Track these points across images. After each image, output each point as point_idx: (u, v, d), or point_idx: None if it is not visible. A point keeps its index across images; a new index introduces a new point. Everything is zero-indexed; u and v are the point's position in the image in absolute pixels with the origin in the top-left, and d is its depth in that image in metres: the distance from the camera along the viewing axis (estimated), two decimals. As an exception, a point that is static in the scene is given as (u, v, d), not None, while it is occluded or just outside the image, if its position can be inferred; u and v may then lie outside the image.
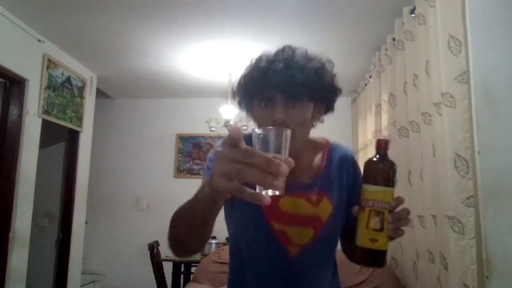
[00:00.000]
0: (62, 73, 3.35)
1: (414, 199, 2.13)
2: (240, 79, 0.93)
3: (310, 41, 2.82)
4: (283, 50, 0.90)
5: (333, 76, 0.92)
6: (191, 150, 4.63)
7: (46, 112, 3.11)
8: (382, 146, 0.80)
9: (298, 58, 0.87)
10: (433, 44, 1.88)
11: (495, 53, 1.62)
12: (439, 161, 1.79)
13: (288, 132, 0.59)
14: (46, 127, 3.14)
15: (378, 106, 3.00)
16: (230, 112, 3.60)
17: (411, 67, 2.24)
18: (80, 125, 3.65)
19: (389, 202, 0.77)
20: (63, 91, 3.38)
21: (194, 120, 4.51)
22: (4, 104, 2.80)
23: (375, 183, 0.78)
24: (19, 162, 2.81)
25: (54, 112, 3.23)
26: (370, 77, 3.32)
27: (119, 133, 4.72)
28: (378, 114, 3.01)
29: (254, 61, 0.91)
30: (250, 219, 0.93)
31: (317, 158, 0.99)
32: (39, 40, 3.02)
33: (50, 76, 3.17)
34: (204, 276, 2.65)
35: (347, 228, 0.93)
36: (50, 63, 3.16)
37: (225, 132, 3.65)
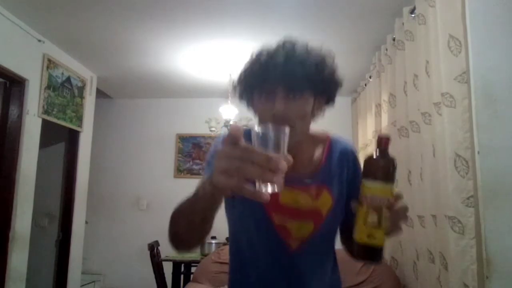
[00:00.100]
0: (62, 73, 3.35)
1: (414, 199, 2.13)
2: (241, 73, 0.94)
3: (310, 41, 2.81)
4: (283, 44, 0.90)
5: (333, 69, 0.93)
6: (191, 150, 4.63)
7: (46, 112, 3.11)
8: (383, 143, 0.80)
9: (298, 51, 0.88)
10: (433, 44, 1.88)
11: (495, 53, 1.62)
12: (439, 161, 1.79)
13: (287, 130, 0.60)
14: (46, 127, 3.14)
15: (378, 106, 3.00)
16: (230, 112, 3.60)
17: (411, 67, 2.24)
18: (80, 125, 3.65)
19: (388, 198, 0.77)
20: (63, 91, 3.38)
21: (194, 120, 4.51)
22: (4, 104, 2.80)
23: (375, 179, 0.78)
24: (19, 162, 2.81)
25: (54, 112, 3.23)
26: (370, 77, 3.32)
27: (119, 133, 4.72)
28: (378, 114, 3.01)
29: (254, 55, 0.92)
30: (251, 213, 0.93)
31: (318, 152, 0.99)
32: (39, 40, 3.02)
33: (50, 76, 3.17)
34: (204, 276, 2.65)
35: (347, 223, 0.92)
36: (50, 63, 3.16)
37: (225, 132, 3.65)
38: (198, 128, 4.42)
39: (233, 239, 1.01)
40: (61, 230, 3.54)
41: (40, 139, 3.05)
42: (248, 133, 0.61)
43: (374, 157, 0.80)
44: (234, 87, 0.97)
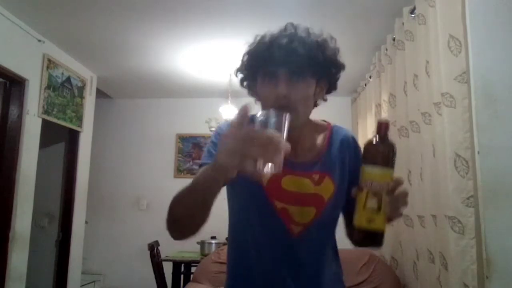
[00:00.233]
0: (62, 73, 3.35)
1: (414, 199, 2.13)
2: (244, 55, 0.95)
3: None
4: (285, 27, 0.92)
5: (335, 51, 0.94)
6: (191, 150, 4.63)
7: (46, 112, 3.11)
8: (382, 128, 0.80)
9: (301, 34, 0.90)
10: (433, 44, 1.88)
11: (495, 53, 1.62)
12: (439, 161, 1.79)
13: (288, 116, 0.63)
14: (46, 127, 3.14)
15: (378, 106, 3.00)
16: (230, 112, 3.60)
17: (411, 67, 2.24)
18: (80, 125, 3.65)
19: (387, 183, 0.77)
20: (63, 91, 3.38)
21: (194, 120, 4.51)
22: (4, 104, 2.80)
23: (374, 164, 0.78)
24: (19, 162, 2.81)
25: (54, 112, 3.23)
26: (370, 77, 3.32)
27: (119, 133, 4.72)
28: (378, 114, 3.01)
29: (257, 38, 0.93)
30: (252, 199, 0.94)
31: (319, 139, 1.00)
32: (39, 40, 3.02)
33: (50, 76, 3.17)
34: (204, 276, 2.65)
35: (349, 210, 0.93)
36: (50, 63, 3.16)
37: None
38: (198, 128, 4.42)
39: (234, 229, 1.01)
40: (61, 230, 3.54)
41: (40, 139, 3.05)
42: (251, 119, 0.64)
43: (374, 142, 0.80)
44: (236, 71, 0.99)
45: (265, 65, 0.89)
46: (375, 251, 2.72)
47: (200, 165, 0.92)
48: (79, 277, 3.74)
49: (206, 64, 3.60)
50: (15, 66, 2.76)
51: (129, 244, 4.41)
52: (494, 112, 1.58)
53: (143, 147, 4.66)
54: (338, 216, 1.00)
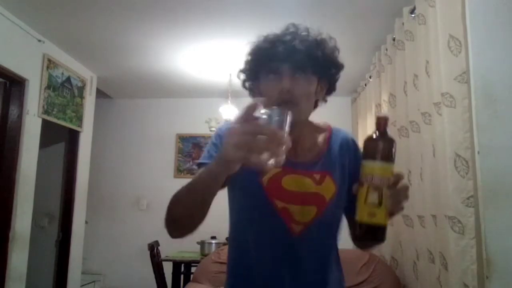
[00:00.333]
0: (62, 73, 3.35)
1: (414, 199, 2.13)
2: (247, 55, 0.98)
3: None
4: (287, 27, 0.95)
5: (334, 51, 0.97)
6: (191, 150, 4.63)
7: (46, 112, 3.11)
8: (381, 123, 0.81)
9: (303, 32, 0.94)
10: (433, 44, 1.88)
11: (495, 53, 1.62)
12: (439, 161, 1.79)
13: (289, 114, 0.66)
14: (46, 127, 3.14)
15: (378, 106, 3.00)
16: (230, 112, 3.60)
17: (411, 67, 2.24)
18: (80, 125, 3.65)
19: (388, 177, 0.77)
20: (63, 91, 3.38)
21: (194, 120, 4.51)
22: (4, 104, 2.80)
23: (374, 159, 0.79)
24: (19, 162, 2.81)
25: (54, 112, 3.23)
26: (370, 77, 3.32)
27: (119, 133, 4.72)
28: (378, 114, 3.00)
29: (260, 38, 0.95)
30: (253, 199, 0.94)
31: (320, 140, 1.01)
32: (39, 40, 3.02)
33: (50, 76, 3.17)
34: (204, 276, 2.65)
35: (351, 211, 0.93)
36: (50, 63, 3.16)
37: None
38: (198, 128, 4.42)
39: (234, 229, 1.01)
40: (61, 230, 3.54)
41: (40, 139, 3.05)
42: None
43: (374, 137, 0.81)
44: (239, 72, 1.01)
45: (268, 62, 0.92)
46: (375, 251, 2.72)
47: (199, 165, 0.93)
48: (79, 277, 3.74)
49: (206, 64, 3.60)
50: (15, 66, 2.76)
51: (129, 244, 4.41)
52: (494, 112, 1.58)
53: (143, 147, 4.66)
54: (340, 218, 1.00)
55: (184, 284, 3.29)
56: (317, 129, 1.04)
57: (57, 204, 3.60)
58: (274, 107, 0.67)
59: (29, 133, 2.90)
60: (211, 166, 0.73)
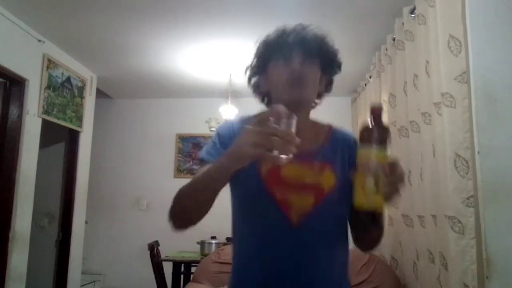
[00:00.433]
0: (62, 73, 3.35)
1: (414, 199, 2.13)
2: (256, 48, 1.03)
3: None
4: (295, 24, 1.02)
5: (335, 49, 1.04)
6: (191, 150, 4.63)
7: (46, 112, 3.11)
8: (376, 112, 0.84)
9: (309, 28, 1.02)
10: (433, 44, 1.88)
11: (495, 53, 1.62)
12: (439, 161, 1.79)
13: (295, 118, 0.75)
14: (46, 127, 3.14)
15: (378, 106, 2.99)
16: (230, 112, 3.60)
17: (411, 67, 2.24)
18: (80, 125, 3.65)
19: (383, 163, 0.79)
20: (63, 91, 3.38)
21: (194, 120, 4.51)
22: (4, 104, 2.80)
23: (370, 146, 0.81)
24: (19, 162, 2.81)
25: (54, 112, 3.23)
26: (370, 77, 3.32)
27: (119, 133, 4.72)
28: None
29: (270, 32, 1.02)
30: (252, 188, 0.96)
31: (321, 134, 1.05)
32: (39, 40, 3.02)
33: (50, 76, 3.17)
34: (204, 276, 2.65)
35: (355, 217, 0.95)
36: (50, 63, 3.16)
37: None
38: (198, 128, 4.42)
39: (236, 220, 1.02)
40: (61, 230, 3.54)
41: (40, 139, 3.05)
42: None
43: (368, 125, 0.83)
44: (246, 69, 1.06)
45: (279, 49, 0.98)
46: (375, 251, 2.72)
47: (201, 160, 0.97)
48: (79, 277, 3.74)
49: (206, 64, 3.60)
50: (15, 66, 2.76)
51: (129, 244, 4.41)
52: (494, 112, 1.58)
53: (143, 147, 4.66)
54: (342, 215, 0.99)
55: (184, 284, 3.29)
56: (318, 125, 1.07)
57: (57, 204, 3.60)
58: (283, 111, 0.74)
59: (29, 133, 2.90)
60: (223, 161, 0.80)
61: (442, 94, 1.76)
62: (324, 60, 1.01)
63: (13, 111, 2.82)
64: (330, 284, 0.96)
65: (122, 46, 3.25)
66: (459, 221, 1.63)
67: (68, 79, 3.45)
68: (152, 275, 3.21)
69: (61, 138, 3.69)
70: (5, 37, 2.71)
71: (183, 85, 4.21)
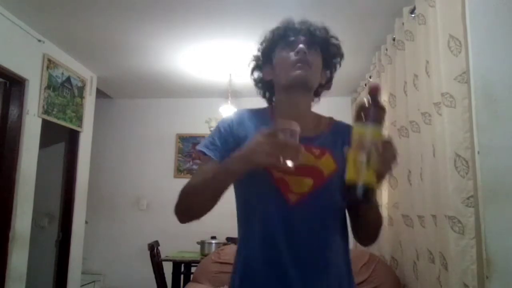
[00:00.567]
0: (62, 73, 3.35)
1: (414, 199, 2.13)
2: (262, 40, 1.09)
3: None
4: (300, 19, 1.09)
5: (338, 42, 1.12)
6: (191, 150, 4.63)
7: (46, 112, 3.11)
8: (373, 91, 0.85)
9: (313, 21, 1.09)
10: (433, 44, 1.88)
11: (495, 53, 1.62)
12: (439, 161, 1.79)
13: (298, 128, 0.82)
14: (46, 127, 3.14)
15: (378, 106, 2.99)
16: (230, 112, 3.60)
17: (411, 67, 2.24)
18: (80, 125, 3.65)
19: (376, 139, 0.81)
20: (63, 91, 3.38)
21: (194, 120, 4.51)
22: (4, 104, 2.80)
23: (364, 122, 0.83)
24: (19, 162, 2.81)
25: (54, 112, 3.23)
26: (370, 77, 3.32)
27: (119, 133, 4.72)
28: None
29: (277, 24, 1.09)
30: (253, 173, 0.96)
31: (322, 124, 1.09)
32: (39, 40, 3.02)
33: (50, 76, 3.17)
34: (204, 276, 2.65)
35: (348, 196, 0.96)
36: (50, 63, 3.16)
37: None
38: (198, 128, 4.41)
39: (239, 206, 1.04)
40: (61, 230, 3.54)
41: (40, 139, 3.05)
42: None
43: (365, 103, 0.85)
44: (249, 63, 1.12)
45: (285, 36, 1.04)
46: (375, 251, 2.72)
47: (201, 153, 1.01)
48: (79, 277, 3.74)
49: (206, 64, 3.60)
50: (15, 66, 2.76)
51: (129, 244, 4.41)
52: (494, 112, 1.58)
53: (143, 147, 4.66)
54: (341, 205, 1.00)
55: (184, 284, 3.29)
56: (321, 116, 1.11)
57: (57, 204, 3.60)
58: (288, 127, 0.82)
59: (29, 133, 2.91)
60: (235, 164, 0.87)
61: (442, 94, 1.76)
62: (326, 51, 1.06)
63: (13, 111, 2.82)
64: (335, 270, 0.97)
65: (122, 46, 3.25)
66: (459, 221, 1.63)
67: (68, 79, 3.45)
68: (152, 275, 3.21)
69: (61, 138, 3.69)
70: (5, 37, 2.71)
71: (183, 85, 4.21)
